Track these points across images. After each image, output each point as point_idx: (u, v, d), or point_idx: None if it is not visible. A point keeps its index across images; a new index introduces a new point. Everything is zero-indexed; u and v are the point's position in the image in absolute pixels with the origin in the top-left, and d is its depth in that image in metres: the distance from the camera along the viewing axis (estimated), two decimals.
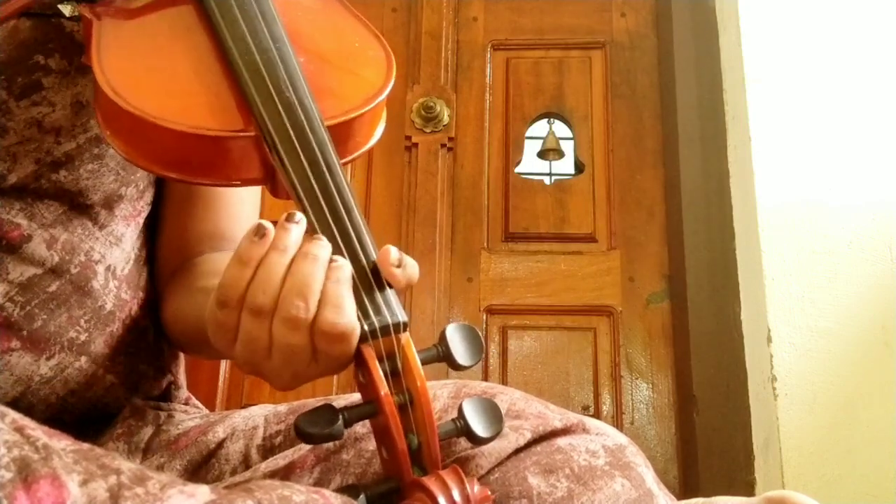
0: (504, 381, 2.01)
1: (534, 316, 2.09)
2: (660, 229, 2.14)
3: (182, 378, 0.83)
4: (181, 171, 0.57)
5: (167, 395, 0.79)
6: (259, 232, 0.52)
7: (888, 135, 1.77)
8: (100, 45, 0.59)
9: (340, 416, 0.49)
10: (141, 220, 0.76)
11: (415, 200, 2.18)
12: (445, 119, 2.24)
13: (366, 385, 0.51)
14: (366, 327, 0.51)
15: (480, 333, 0.55)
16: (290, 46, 0.60)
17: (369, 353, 0.50)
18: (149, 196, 0.77)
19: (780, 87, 1.83)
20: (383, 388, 0.49)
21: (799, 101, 1.81)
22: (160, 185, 0.79)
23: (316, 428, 0.48)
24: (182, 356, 0.83)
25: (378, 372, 0.50)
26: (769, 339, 1.66)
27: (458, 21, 2.36)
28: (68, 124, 0.67)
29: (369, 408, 0.50)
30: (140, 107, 0.55)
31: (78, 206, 0.69)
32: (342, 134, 0.59)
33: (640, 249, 2.13)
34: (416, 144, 2.23)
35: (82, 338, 0.68)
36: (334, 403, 0.70)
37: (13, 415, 0.39)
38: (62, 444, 0.39)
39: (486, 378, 2.01)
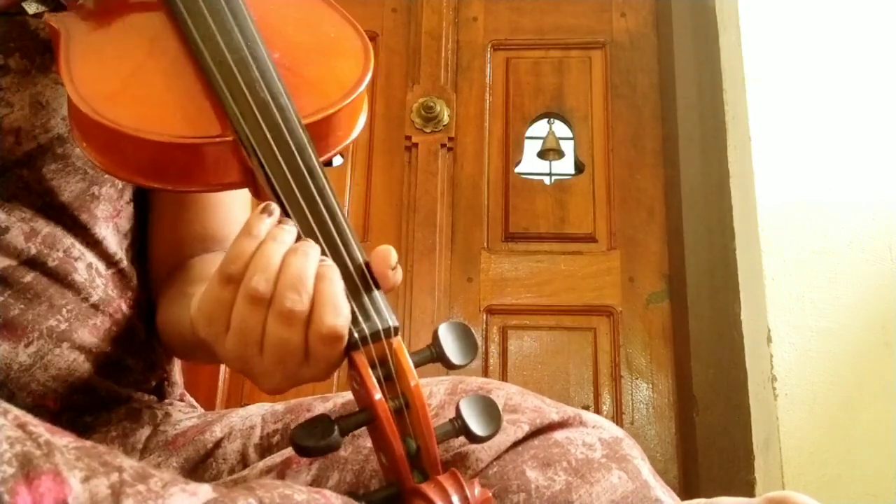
0: (503, 381, 2.00)
1: (534, 316, 2.09)
2: (660, 229, 2.14)
3: (177, 376, 0.82)
4: (161, 180, 0.55)
5: (160, 392, 0.78)
6: (267, 209, 0.51)
7: (888, 134, 1.77)
8: (69, 57, 0.57)
9: (336, 427, 0.48)
10: (122, 220, 0.75)
11: (415, 200, 2.17)
12: (445, 119, 2.24)
13: (360, 392, 0.50)
14: (356, 334, 0.50)
15: (475, 331, 0.54)
16: (262, 44, 0.58)
17: (361, 360, 0.49)
18: (128, 194, 0.75)
19: (780, 87, 1.83)
20: (377, 395, 0.48)
21: (799, 101, 1.81)
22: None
23: (311, 440, 0.48)
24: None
25: (371, 378, 0.49)
26: (769, 339, 1.66)
27: (458, 21, 2.36)
28: (28, 125, 0.66)
29: (365, 415, 0.49)
30: (114, 119, 0.53)
31: (50, 205, 0.67)
32: (322, 130, 0.58)
33: (640, 249, 2.12)
34: (416, 144, 2.23)
35: (63, 326, 0.67)
36: (330, 404, 0.69)
37: (15, 411, 0.38)
38: (64, 440, 0.39)
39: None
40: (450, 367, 0.52)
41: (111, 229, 0.73)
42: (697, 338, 1.94)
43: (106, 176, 0.70)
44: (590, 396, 2.01)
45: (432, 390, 0.66)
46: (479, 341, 2.05)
